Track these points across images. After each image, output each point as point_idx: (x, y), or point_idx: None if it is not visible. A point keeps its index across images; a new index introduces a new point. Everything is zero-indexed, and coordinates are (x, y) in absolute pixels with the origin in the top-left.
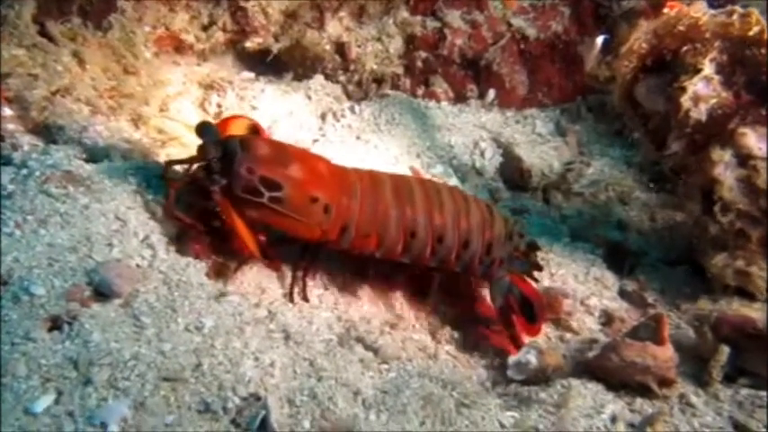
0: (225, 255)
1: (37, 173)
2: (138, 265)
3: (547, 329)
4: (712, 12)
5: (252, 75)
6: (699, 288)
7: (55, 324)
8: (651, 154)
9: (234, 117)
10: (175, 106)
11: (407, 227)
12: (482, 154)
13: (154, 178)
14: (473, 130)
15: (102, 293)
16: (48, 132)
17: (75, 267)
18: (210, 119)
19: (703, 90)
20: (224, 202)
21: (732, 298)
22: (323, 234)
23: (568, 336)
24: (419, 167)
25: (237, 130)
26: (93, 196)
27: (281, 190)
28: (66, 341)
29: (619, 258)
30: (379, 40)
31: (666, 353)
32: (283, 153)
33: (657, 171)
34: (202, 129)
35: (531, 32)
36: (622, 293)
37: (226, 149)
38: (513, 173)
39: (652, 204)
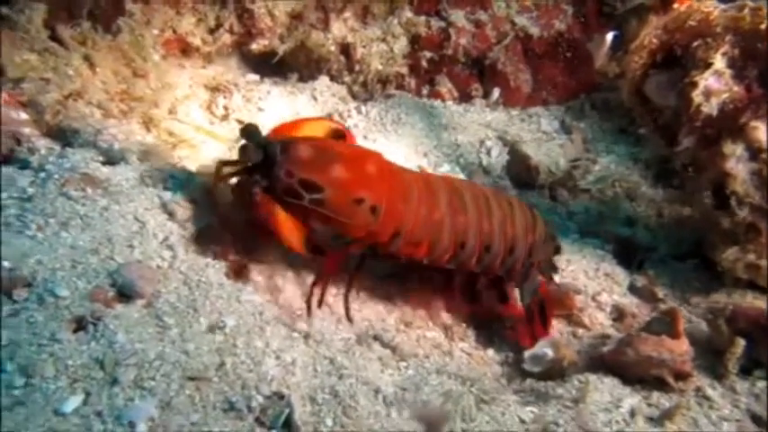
0: (244, 254)
1: (55, 176)
2: (158, 266)
3: (559, 325)
4: (723, 6)
5: (257, 77)
6: (708, 282)
7: (80, 325)
8: (661, 149)
9: (310, 119)
10: (183, 109)
11: (459, 236)
12: (488, 152)
13: (170, 179)
14: (479, 129)
15: (124, 294)
16: (63, 136)
17: (97, 269)
18: (217, 121)
19: (714, 84)
20: (265, 198)
21: (745, 291)
22: (371, 235)
23: (581, 331)
24: (426, 166)
25: (315, 132)
26: (111, 198)
27: (321, 192)
28: (92, 342)
29: (628, 254)
30: (383, 40)
31: (682, 346)
32: (327, 154)
33: (663, 167)
34: (247, 131)
35: (535, 31)
36: (632, 289)
37: (266, 152)
38: (520, 170)
39: (659, 200)
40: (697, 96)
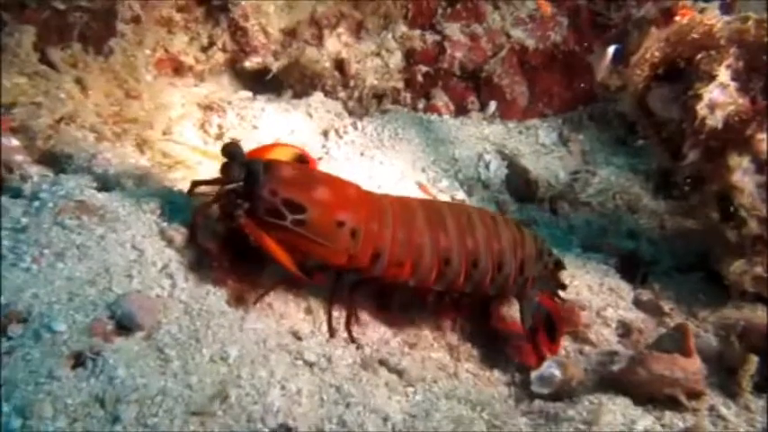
0: (244, 280)
1: (50, 204)
2: (158, 296)
3: (565, 342)
4: (726, 18)
5: (249, 94)
6: (714, 295)
7: (78, 361)
8: (666, 162)
9: (276, 145)
10: (178, 129)
11: (441, 254)
12: (487, 166)
13: (167, 204)
14: (476, 143)
15: (124, 327)
16: (56, 161)
17: (95, 301)
18: (212, 140)
19: (719, 97)
20: (249, 223)
21: (754, 305)
22: (351, 260)
23: (587, 348)
24: (425, 182)
25: (281, 157)
26: (107, 226)
27: (304, 212)
28: (91, 378)
29: (631, 267)
30: (378, 55)
31: (695, 364)
32: (309, 176)
33: (664, 178)
34: (228, 150)
35: (531, 43)
36: (637, 303)
37: (249, 171)
38: (520, 184)
39: (661, 212)
40: (702, 109)
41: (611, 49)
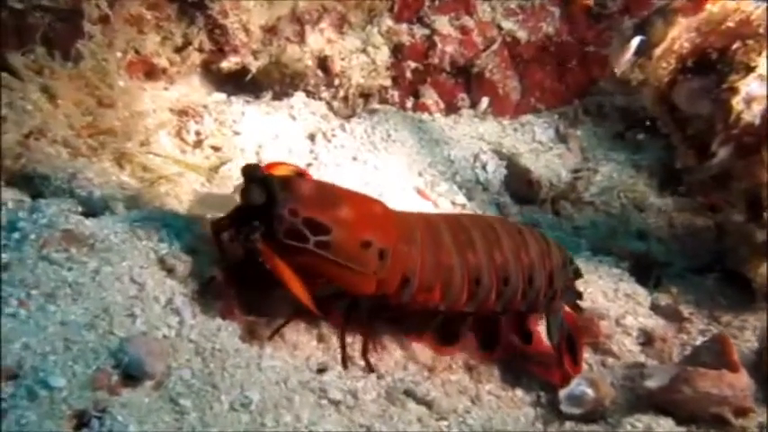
0: (257, 312)
1: (32, 236)
2: (165, 336)
3: (585, 354)
4: (765, 5)
5: (223, 96)
6: (735, 298)
7: (82, 421)
8: (689, 160)
9: (275, 164)
10: (155, 139)
11: (472, 272)
12: (484, 167)
13: (163, 228)
14: (471, 143)
15: (131, 376)
16: (30, 184)
17: (96, 348)
18: (190, 149)
19: (757, 90)
20: (267, 249)
21: None
22: (380, 285)
23: (610, 360)
24: (423, 187)
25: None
26: (100, 258)
27: (328, 233)
28: None
29: (644, 270)
30: (364, 51)
31: (742, 380)
32: (330, 193)
33: (668, 174)
34: (249, 171)
35: (522, 35)
36: (654, 308)
37: (267, 190)
38: (521, 185)
39: (669, 209)
40: (738, 104)
41: (634, 41)
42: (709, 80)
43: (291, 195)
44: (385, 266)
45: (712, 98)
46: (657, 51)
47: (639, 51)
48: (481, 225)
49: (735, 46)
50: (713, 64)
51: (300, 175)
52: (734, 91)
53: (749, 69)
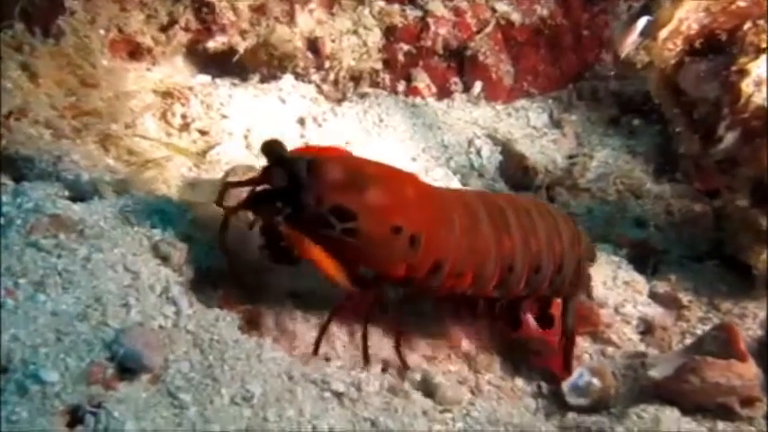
0: (246, 298)
1: (17, 221)
2: (161, 327)
3: (584, 344)
4: None
5: (208, 78)
6: (735, 285)
7: (76, 417)
8: (694, 146)
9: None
10: (141, 121)
11: (506, 260)
12: (479, 152)
13: (156, 214)
14: (465, 127)
15: (127, 369)
16: (12, 166)
17: (90, 340)
18: (176, 132)
19: None
20: (293, 233)
21: None
22: (409, 270)
23: (610, 350)
24: (417, 172)
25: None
26: (91, 245)
27: (355, 220)
28: None
29: (642, 258)
30: (355, 32)
31: (751, 369)
32: (360, 175)
33: (665, 160)
34: (270, 149)
35: (516, 18)
36: (653, 296)
37: (291, 173)
38: (516, 171)
39: (666, 196)
40: (747, 86)
41: (640, 22)
42: (718, 62)
43: (317, 180)
44: (416, 252)
45: (720, 81)
46: (664, 32)
47: (645, 32)
48: (517, 209)
49: (745, 26)
50: (722, 45)
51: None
52: (743, 73)
53: (760, 51)
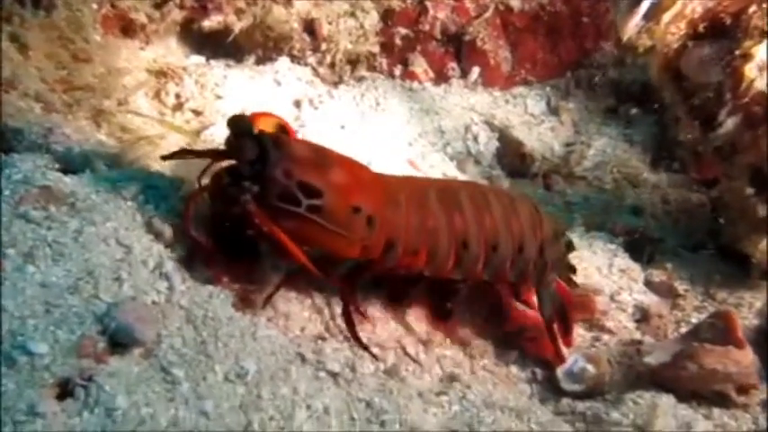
0: (248, 278)
1: (6, 192)
2: (154, 302)
3: (580, 331)
4: None
5: (202, 59)
6: (730, 274)
7: (66, 390)
8: (693, 132)
9: (260, 114)
10: (133, 99)
11: (459, 236)
12: (475, 139)
13: (149, 190)
14: (462, 113)
15: (119, 343)
16: (1, 138)
17: (81, 313)
18: (169, 112)
19: None
20: (259, 211)
21: None
22: (364, 251)
23: (605, 337)
24: (414, 157)
25: (266, 127)
26: (82, 218)
27: (321, 197)
28: (85, 411)
29: (638, 246)
30: (352, 15)
31: (748, 356)
32: (323, 155)
33: (662, 149)
34: (237, 123)
35: (515, 3)
36: (648, 284)
37: (260, 148)
38: (513, 158)
39: (663, 185)
40: (750, 70)
41: (643, 5)
42: (722, 46)
43: (284, 155)
44: (372, 233)
45: (723, 65)
46: (667, 16)
47: (648, 16)
48: (471, 190)
49: (750, 10)
50: (726, 29)
51: (283, 128)
52: (747, 57)
53: (764, 35)
